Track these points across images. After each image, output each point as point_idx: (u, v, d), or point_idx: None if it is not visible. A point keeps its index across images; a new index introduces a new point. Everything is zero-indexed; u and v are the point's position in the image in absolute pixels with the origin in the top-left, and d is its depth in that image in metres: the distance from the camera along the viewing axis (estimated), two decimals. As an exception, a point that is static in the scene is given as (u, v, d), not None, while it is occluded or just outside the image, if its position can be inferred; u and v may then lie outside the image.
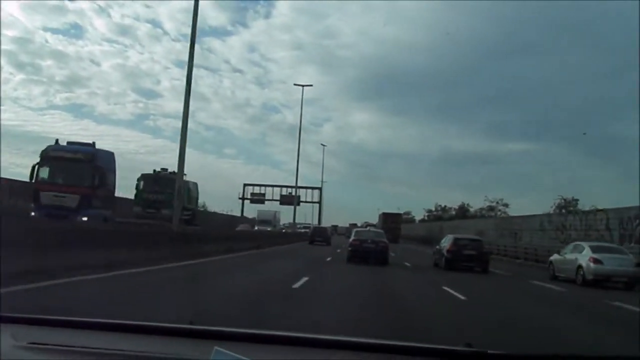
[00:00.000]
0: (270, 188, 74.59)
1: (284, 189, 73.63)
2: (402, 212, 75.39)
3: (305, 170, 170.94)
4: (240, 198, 74.24)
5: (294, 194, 72.34)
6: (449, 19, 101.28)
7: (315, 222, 75.33)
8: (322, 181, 75.91)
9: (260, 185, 75.04)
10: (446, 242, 21.46)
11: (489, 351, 1.69)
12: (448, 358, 1.78)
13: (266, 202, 73.03)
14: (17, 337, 1.70)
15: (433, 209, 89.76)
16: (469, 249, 20.66)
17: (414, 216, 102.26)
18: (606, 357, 3.10)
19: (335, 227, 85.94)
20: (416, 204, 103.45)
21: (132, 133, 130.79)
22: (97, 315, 2.06)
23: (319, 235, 42.72)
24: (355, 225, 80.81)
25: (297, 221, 65.04)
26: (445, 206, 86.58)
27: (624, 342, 7.11)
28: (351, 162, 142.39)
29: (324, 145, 76.88)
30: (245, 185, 75.21)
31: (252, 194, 75.07)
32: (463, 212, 77.85)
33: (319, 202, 75.84)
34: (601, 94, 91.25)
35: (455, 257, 20.37)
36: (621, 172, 67.13)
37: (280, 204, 73.79)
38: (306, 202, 74.64)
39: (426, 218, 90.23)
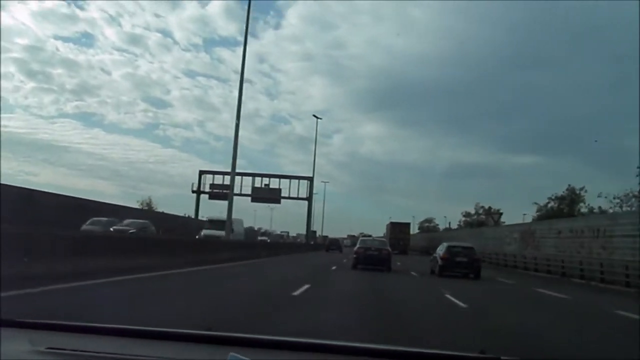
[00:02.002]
0: (237, 178, 60.67)
1: (258, 179, 60.95)
2: (409, 221, 72.00)
3: (317, 184, 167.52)
4: (194, 191, 60.99)
5: (271, 185, 61.02)
6: (458, 30, 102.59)
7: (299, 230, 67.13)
8: (313, 168, 63.21)
9: (223, 174, 58.62)
10: (441, 250, 22.98)
11: (502, 357, 1.79)
12: None
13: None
14: (35, 343, 1.78)
15: (473, 211, 77.94)
16: (462, 256, 22.16)
17: (437, 224, 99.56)
18: None
19: (325, 237, 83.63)
20: (422, 216, 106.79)
21: (142, 142, 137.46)
22: (114, 321, 2.20)
23: (333, 245, 59.63)
24: (353, 236, 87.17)
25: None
26: (489, 208, 72.83)
27: None
28: (359, 173, 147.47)
29: (317, 118, 65.08)
30: (201, 173, 61.63)
31: (212, 185, 60.43)
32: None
33: (309, 199, 62.57)
34: (612, 105, 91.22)
35: (449, 264, 21.95)
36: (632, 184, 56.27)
37: (253, 200, 61.43)
38: (290, 197, 61.14)
39: (462, 225, 78.31)
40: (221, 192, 60.68)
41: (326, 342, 2.00)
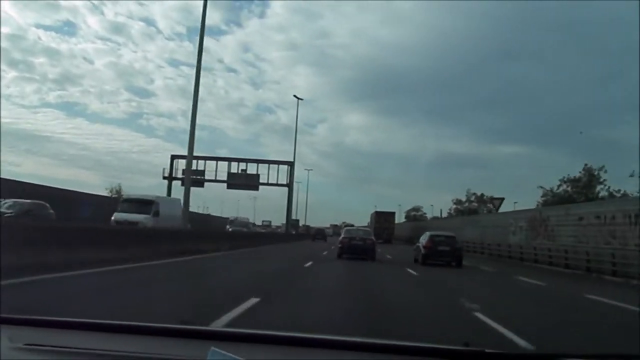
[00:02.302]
0: (212, 163, 55.88)
1: (234, 164, 55.86)
2: (394, 211, 69.82)
3: (299, 172, 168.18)
4: (165, 178, 55.67)
5: (248, 171, 55.95)
6: (445, 20, 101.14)
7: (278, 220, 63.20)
8: (294, 153, 58.14)
9: (197, 158, 52.40)
10: (424, 239, 23.35)
11: (486, 350, 1.75)
12: (446, 357, 1.79)
13: (206, 184, 55.57)
14: (13, 339, 1.75)
15: (464, 198, 72.66)
16: (444, 245, 22.48)
17: (425, 213, 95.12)
18: (606, 356, 2.69)
19: (307, 227, 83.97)
20: (408, 205, 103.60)
21: (125, 132, 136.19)
22: (95, 316, 2.16)
23: (319, 234, 61.15)
24: (335, 226, 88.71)
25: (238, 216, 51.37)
26: (482, 195, 67.93)
27: None
28: (344, 163, 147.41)
29: (298, 99, 60.14)
30: (173, 158, 56.07)
31: (185, 171, 55.29)
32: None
33: (289, 186, 57.47)
34: (598, 98, 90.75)
35: (431, 253, 22.31)
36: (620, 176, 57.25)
37: (229, 187, 56.45)
38: (269, 184, 56.31)
39: (452, 213, 72.88)
40: (196, 179, 55.88)
41: (309, 335, 1.97)
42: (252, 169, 56.29)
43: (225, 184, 55.76)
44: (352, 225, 56.21)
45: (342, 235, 23.89)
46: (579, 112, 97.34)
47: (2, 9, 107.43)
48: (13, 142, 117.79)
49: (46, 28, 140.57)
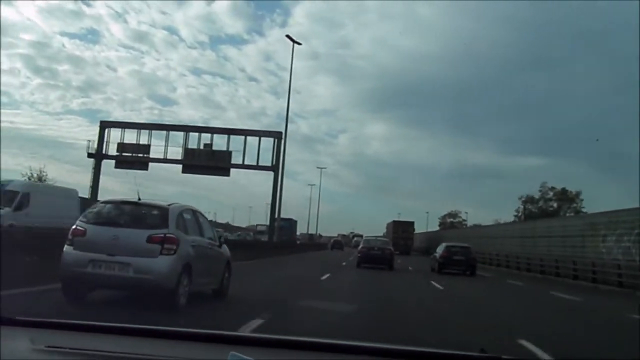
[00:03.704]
0: (158, 134, 40.05)
1: (195, 137, 39.85)
2: (413, 220, 64.30)
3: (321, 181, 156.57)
4: (91, 155, 39.65)
5: (214, 146, 38.78)
6: (466, 29, 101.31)
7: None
8: (287, 121, 38.78)
9: (140, 127, 39.76)
10: (440, 249, 25.35)
11: (503, 357, 1.81)
12: None
13: (154, 166, 39.93)
14: (35, 341, 1.79)
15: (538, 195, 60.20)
16: (459, 255, 24.39)
17: (464, 220, 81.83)
18: None
19: (311, 236, 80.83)
20: (430, 216, 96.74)
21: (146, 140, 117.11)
22: (115, 320, 2.14)
23: (337, 244, 66.07)
24: (345, 236, 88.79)
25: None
26: (564, 190, 56.69)
27: None
28: (364, 173, 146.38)
29: (293, 42, 38.74)
30: (104, 126, 39.99)
31: (121, 146, 39.15)
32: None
33: (275, 168, 39.55)
34: (618, 108, 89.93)
35: (447, 262, 24.19)
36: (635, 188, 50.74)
37: (184, 170, 39.84)
38: (245, 166, 39.09)
39: (520, 216, 60.43)
40: (136, 158, 39.18)
41: (326, 340, 2.02)
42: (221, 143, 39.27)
43: (180, 167, 38.96)
44: (361, 236, 56.21)
45: (361, 245, 25.32)
46: (600, 123, 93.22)
47: (28, 16, 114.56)
48: (36, 148, 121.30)
49: (71, 36, 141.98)
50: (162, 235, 7.26)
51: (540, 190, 58.32)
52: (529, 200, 59.58)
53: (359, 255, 24.27)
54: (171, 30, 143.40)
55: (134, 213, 7.71)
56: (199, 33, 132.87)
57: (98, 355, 1.72)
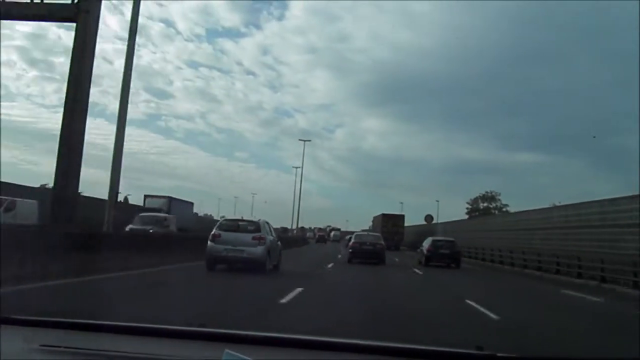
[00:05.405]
0: None
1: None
2: (403, 213, 61.26)
3: (317, 176, 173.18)
4: None
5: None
6: (462, 23, 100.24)
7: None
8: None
9: None
10: (426, 243, 26.72)
11: (498, 354, 1.78)
12: None
13: None
14: (29, 340, 1.78)
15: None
16: (444, 248, 25.67)
17: (506, 205, 73.16)
18: None
19: (285, 229, 77.84)
20: (426, 212, 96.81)
21: (144, 133, 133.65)
22: (107, 317, 2.20)
23: (321, 239, 72.09)
24: (322, 230, 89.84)
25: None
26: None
27: None
28: (361, 168, 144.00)
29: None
30: None
31: None
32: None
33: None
34: (616, 104, 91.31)
35: (433, 255, 25.46)
36: (632, 184, 53.42)
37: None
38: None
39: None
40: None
41: (322, 338, 1.97)
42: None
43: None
44: (339, 229, 62.44)
45: (353, 240, 25.11)
46: (600, 119, 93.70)
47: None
48: (31, 141, 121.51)
49: (67, 28, 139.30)
50: (258, 235, 14.62)
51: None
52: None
53: (350, 250, 24.18)
54: (168, 22, 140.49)
55: (243, 224, 15.58)
56: (196, 26, 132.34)
57: (92, 354, 1.71)
